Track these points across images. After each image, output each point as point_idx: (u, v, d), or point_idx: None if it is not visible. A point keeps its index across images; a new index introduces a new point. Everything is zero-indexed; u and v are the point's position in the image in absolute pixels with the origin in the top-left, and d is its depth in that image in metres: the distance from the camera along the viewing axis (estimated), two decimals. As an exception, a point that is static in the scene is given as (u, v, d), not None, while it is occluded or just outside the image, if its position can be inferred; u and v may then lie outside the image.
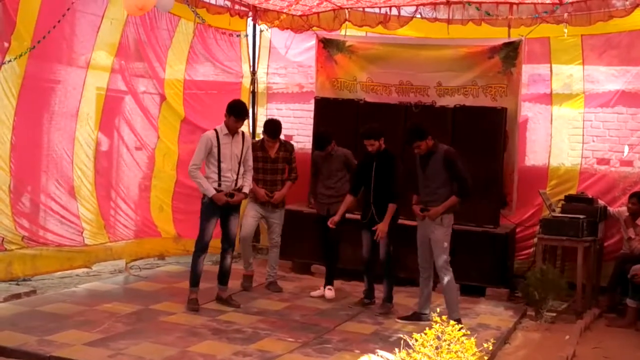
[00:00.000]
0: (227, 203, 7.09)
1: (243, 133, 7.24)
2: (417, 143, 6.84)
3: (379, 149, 7.31)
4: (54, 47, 7.56)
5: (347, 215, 7.75)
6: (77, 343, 5.83)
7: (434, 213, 6.88)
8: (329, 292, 7.85)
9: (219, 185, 7.07)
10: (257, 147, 7.85)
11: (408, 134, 6.93)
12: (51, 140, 7.93)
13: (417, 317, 7.13)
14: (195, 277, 7.20)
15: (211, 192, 7.00)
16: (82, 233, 8.07)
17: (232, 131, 7.08)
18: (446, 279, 6.87)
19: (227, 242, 7.36)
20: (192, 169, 7.04)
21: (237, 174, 7.16)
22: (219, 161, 7.03)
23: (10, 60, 6.92)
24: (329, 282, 7.95)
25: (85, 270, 8.34)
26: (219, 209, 7.11)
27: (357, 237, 7.68)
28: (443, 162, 6.84)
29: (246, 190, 7.32)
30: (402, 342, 4.58)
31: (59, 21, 7.35)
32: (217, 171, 7.05)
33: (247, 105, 7.26)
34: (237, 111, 7.07)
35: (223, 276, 7.44)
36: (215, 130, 7.10)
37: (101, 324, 6.40)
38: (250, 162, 7.36)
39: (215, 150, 7.02)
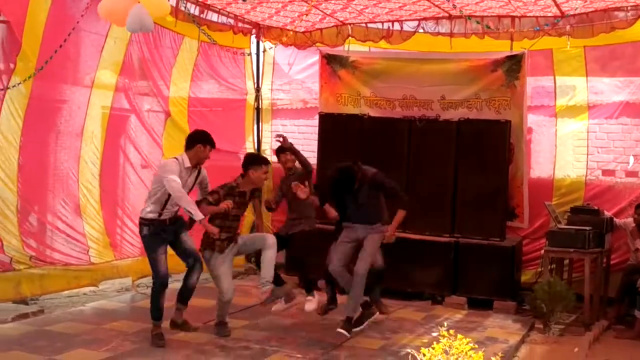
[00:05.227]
0: (174, 225, 6.61)
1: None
2: (355, 187, 6.85)
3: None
4: (59, 67, 7.58)
5: (323, 227, 7.78)
6: (85, 362, 5.83)
7: (392, 233, 6.97)
8: (309, 304, 7.61)
9: (160, 215, 6.47)
10: (235, 192, 6.78)
11: (342, 184, 6.83)
12: (57, 160, 7.94)
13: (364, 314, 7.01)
14: (158, 312, 6.52)
15: (200, 216, 6.37)
16: (88, 251, 8.08)
17: (198, 164, 6.61)
18: (361, 276, 6.71)
19: (192, 257, 6.69)
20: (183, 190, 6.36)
21: (178, 206, 6.48)
22: (169, 194, 6.36)
23: (19, 84, 6.96)
24: (308, 291, 7.71)
25: (92, 288, 8.36)
26: (162, 237, 6.52)
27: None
28: (370, 186, 6.85)
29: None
30: (409, 356, 4.57)
31: (65, 40, 7.37)
32: (164, 203, 6.44)
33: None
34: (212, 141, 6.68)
35: (186, 293, 6.74)
36: (177, 159, 6.52)
37: (109, 342, 6.39)
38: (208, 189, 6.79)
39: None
